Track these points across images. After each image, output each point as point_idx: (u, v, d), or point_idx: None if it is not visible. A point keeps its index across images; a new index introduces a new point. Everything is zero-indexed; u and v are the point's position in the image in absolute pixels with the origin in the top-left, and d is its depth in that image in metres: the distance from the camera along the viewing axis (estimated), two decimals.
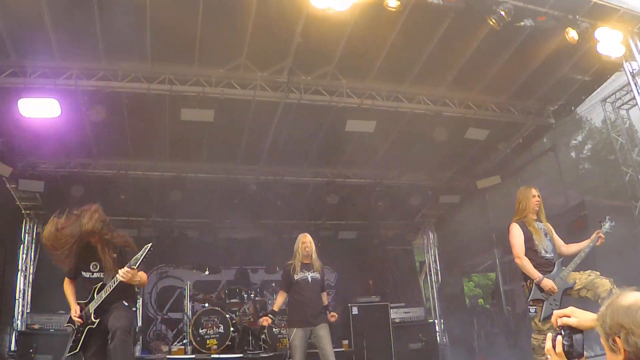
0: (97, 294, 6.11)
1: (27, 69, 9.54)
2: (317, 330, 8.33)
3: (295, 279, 8.50)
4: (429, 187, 14.95)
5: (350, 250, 16.29)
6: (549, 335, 2.72)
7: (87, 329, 6.08)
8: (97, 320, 6.05)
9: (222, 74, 10.35)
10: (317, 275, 8.62)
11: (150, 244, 6.05)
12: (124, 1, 8.29)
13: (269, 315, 8.76)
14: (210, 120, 10.61)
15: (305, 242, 8.70)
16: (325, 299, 8.91)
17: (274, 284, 13.80)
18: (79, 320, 6.09)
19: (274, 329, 12.22)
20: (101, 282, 6.17)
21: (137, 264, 5.92)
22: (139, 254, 5.99)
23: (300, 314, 8.43)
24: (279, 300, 8.80)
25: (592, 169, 12.93)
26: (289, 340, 8.49)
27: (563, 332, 2.66)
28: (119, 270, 5.91)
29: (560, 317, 2.72)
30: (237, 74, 10.40)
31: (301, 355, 8.24)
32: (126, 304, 6.23)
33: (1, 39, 8.82)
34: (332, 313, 8.87)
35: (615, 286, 6.41)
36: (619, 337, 2.25)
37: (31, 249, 14.31)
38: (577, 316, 2.67)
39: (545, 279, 6.69)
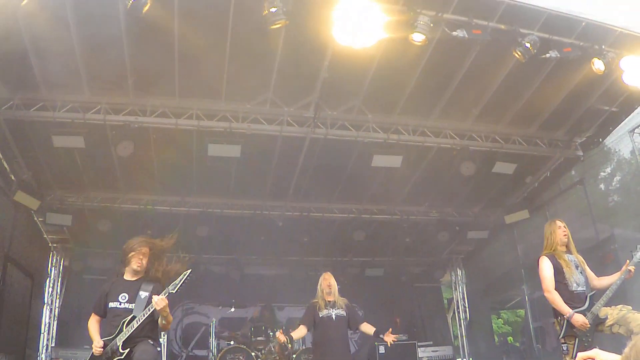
0: (125, 327, 6.03)
1: (56, 103, 9.71)
2: None
3: (320, 316, 8.39)
4: (457, 222, 14.82)
5: (377, 287, 16.14)
6: None
7: None
8: (126, 351, 5.94)
9: (249, 109, 10.45)
10: (341, 312, 8.46)
11: (189, 270, 6.01)
12: (153, 37, 8.41)
13: (286, 335, 8.57)
14: (237, 156, 10.63)
15: (327, 279, 8.67)
16: (368, 327, 8.59)
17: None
18: (100, 350, 6.00)
19: None
20: (131, 315, 6.08)
21: (176, 289, 5.89)
22: (178, 279, 5.94)
23: (326, 353, 8.32)
24: (298, 331, 8.56)
25: (622, 201, 12.69)
26: None
27: None
28: (154, 297, 5.86)
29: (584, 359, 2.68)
30: (263, 109, 10.49)
31: None
32: (151, 342, 6.17)
33: (32, 72, 9.00)
34: (392, 336, 8.39)
35: None
36: None
37: (57, 282, 14.44)
38: (602, 358, 2.64)
39: (575, 314, 6.51)
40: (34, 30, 7.93)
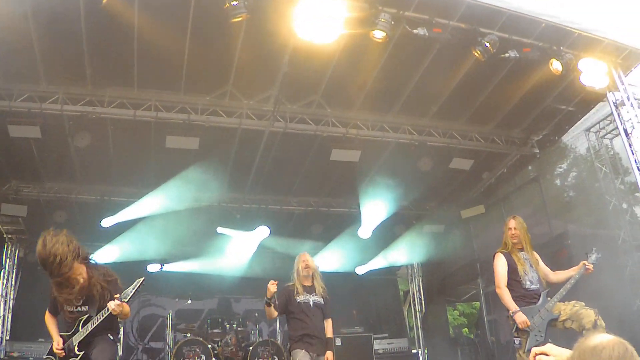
0: (82, 326, 5.90)
1: (12, 92, 9.53)
2: None
3: (297, 301, 7.34)
4: (413, 216, 14.94)
5: (334, 280, 16.17)
6: None
7: None
8: (81, 354, 5.83)
9: (208, 101, 10.40)
10: (319, 299, 7.43)
11: (142, 278, 5.85)
12: (112, 28, 8.26)
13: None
14: (196, 148, 10.58)
15: (305, 260, 7.61)
16: (329, 329, 7.54)
17: (256, 314, 13.68)
18: (61, 352, 5.90)
19: None
20: (87, 315, 5.96)
21: (128, 299, 5.76)
22: (130, 288, 5.77)
23: (305, 336, 7.22)
24: (270, 311, 7.20)
25: (577, 197, 12.99)
26: None
27: None
28: (110, 302, 5.74)
29: (537, 355, 2.75)
30: (223, 102, 10.46)
31: None
32: (111, 337, 6.05)
33: None
34: None
35: (599, 317, 6.39)
36: None
37: (12, 274, 14.18)
38: (554, 354, 2.72)
39: (519, 312, 6.64)
40: None
